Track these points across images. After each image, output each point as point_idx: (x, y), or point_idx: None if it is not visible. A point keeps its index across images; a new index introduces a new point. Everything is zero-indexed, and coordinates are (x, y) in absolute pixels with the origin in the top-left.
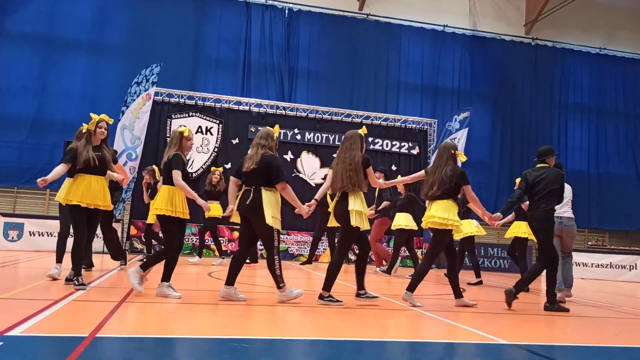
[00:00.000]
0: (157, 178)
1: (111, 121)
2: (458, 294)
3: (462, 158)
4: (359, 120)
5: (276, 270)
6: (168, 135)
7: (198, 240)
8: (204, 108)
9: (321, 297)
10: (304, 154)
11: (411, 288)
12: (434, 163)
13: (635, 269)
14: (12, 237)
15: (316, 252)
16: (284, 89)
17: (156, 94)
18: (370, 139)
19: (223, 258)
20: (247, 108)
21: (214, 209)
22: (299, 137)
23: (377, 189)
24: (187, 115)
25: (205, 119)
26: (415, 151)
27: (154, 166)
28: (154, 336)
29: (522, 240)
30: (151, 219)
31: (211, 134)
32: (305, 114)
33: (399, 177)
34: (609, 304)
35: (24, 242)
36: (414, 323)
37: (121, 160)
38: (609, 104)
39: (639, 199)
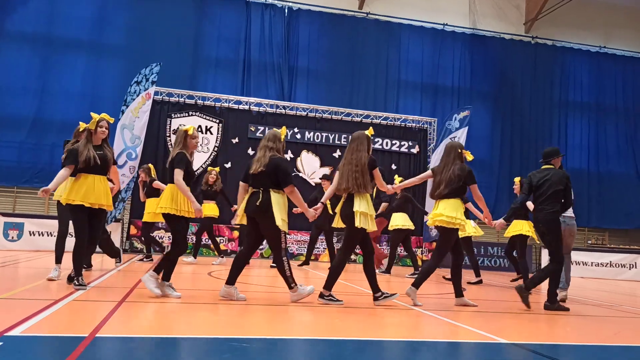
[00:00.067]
0: (153, 176)
1: (112, 120)
2: (459, 293)
3: (468, 157)
4: (358, 119)
5: (286, 271)
6: (168, 134)
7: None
8: (203, 107)
9: (321, 296)
10: (304, 153)
11: (417, 284)
12: (441, 162)
13: (635, 267)
14: (12, 237)
15: (316, 252)
16: (284, 88)
17: (156, 93)
18: None
19: (223, 257)
20: (246, 107)
21: (210, 209)
22: (298, 136)
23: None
24: (187, 114)
25: (205, 119)
26: (415, 150)
27: (150, 164)
28: (154, 336)
29: (522, 239)
30: (147, 217)
31: (211, 134)
32: (305, 113)
33: (396, 176)
34: (609, 303)
35: (24, 242)
36: (414, 322)
37: (121, 160)
38: (609, 102)
39: (639, 198)
